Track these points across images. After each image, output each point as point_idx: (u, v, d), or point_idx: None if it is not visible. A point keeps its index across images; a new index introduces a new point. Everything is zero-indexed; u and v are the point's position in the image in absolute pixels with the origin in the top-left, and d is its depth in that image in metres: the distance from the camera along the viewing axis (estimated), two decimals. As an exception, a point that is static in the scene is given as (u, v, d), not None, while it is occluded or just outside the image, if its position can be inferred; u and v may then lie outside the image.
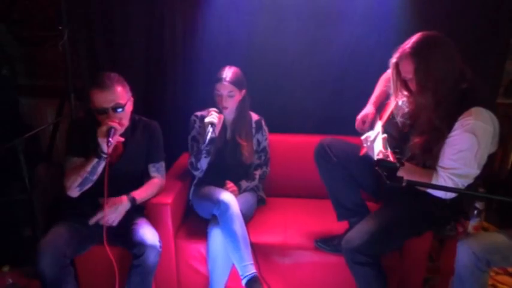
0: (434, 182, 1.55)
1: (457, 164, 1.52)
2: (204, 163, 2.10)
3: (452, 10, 2.27)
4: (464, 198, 1.72)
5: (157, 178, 2.02)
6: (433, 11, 2.26)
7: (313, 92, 2.52)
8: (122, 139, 1.84)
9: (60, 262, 1.71)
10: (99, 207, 1.80)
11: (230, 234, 1.88)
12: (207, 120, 2.00)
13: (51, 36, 2.68)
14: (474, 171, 1.53)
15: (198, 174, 2.15)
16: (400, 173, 1.25)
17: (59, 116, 2.62)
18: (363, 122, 1.93)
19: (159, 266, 1.83)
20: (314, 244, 1.98)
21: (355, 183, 1.92)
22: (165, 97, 2.63)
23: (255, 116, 2.29)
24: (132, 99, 1.90)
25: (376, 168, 1.28)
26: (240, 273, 1.88)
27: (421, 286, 1.99)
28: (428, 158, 1.61)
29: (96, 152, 1.75)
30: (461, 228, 2.14)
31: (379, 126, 1.75)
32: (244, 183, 2.20)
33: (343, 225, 1.96)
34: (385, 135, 1.55)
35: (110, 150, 1.73)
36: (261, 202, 2.32)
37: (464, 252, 1.67)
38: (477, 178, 1.57)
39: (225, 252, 1.91)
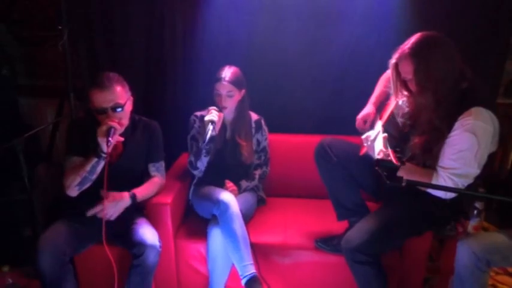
0: (434, 181, 1.55)
1: (457, 164, 1.52)
2: (203, 162, 2.09)
3: (452, 10, 2.27)
4: (464, 198, 1.72)
5: (157, 177, 2.02)
6: (433, 11, 2.26)
7: (313, 92, 2.52)
8: (122, 139, 1.84)
9: (60, 259, 1.71)
10: (99, 199, 1.79)
11: (230, 234, 1.88)
12: (207, 118, 2.00)
13: (51, 36, 2.68)
14: (474, 171, 1.53)
15: (197, 173, 2.15)
16: (400, 173, 1.25)
17: (58, 115, 2.62)
18: (364, 121, 1.93)
19: (158, 266, 1.83)
20: (314, 244, 1.98)
21: (355, 183, 1.92)
22: (165, 97, 2.63)
23: (254, 116, 2.29)
24: (131, 98, 1.90)
25: (376, 168, 1.28)
26: (240, 273, 1.88)
27: (421, 286, 1.99)
28: (429, 158, 1.61)
29: (95, 151, 1.75)
30: (461, 228, 2.14)
31: (379, 125, 1.75)
32: (244, 183, 2.19)
33: (343, 225, 1.96)
34: (386, 134, 1.55)
35: (110, 149, 1.73)
36: (261, 202, 2.31)
37: (464, 252, 1.67)
38: (477, 178, 1.57)
39: (224, 252, 1.91)
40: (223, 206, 1.90)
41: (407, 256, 1.90)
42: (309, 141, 2.09)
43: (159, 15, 2.47)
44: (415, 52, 1.53)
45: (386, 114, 1.81)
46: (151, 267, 1.78)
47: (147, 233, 1.82)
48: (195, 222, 2.13)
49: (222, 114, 2.05)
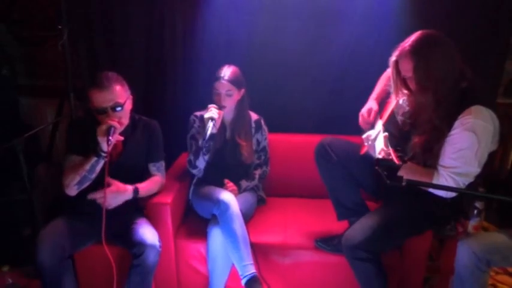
0: (435, 181, 1.55)
1: (458, 163, 1.52)
2: (202, 161, 2.09)
3: (452, 10, 2.27)
4: (464, 197, 1.72)
5: (158, 176, 2.02)
6: (433, 11, 2.26)
7: (313, 92, 2.53)
8: (122, 138, 1.84)
9: (59, 254, 1.71)
10: (104, 185, 1.78)
11: (230, 234, 1.88)
12: (206, 115, 2.00)
13: (51, 36, 2.67)
14: (475, 169, 1.53)
15: (196, 173, 2.15)
16: (400, 172, 1.25)
17: (58, 115, 2.61)
18: (369, 114, 1.89)
19: (158, 266, 1.83)
20: (314, 244, 1.98)
21: (356, 183, 1.92)
22: (165, 97, 2.63)
23: (254, 116, 2.29)
24: (131, 97, 1.90)
25: (376, 167, 1.28)
26: (240, 273, 1.88)
27: (421, 285, 1.99)
28: (429, 157, 1.61)
29: (95, 150, 1.75)
30: (461, 228, 2.14)
31: (380, 125, 1.75)
32: (244, 183, 2.19)
33: (343, 224, 1.96)
34: (386, 133, 1.55)
35: (110, 148, 1.73)
36: (261, 202, 2.31)
37: (465, 252, 1.67)
38: (478, 177, 1.57)
39: (224, 252, 1.91)
40: (223, 206, 1.90)
41: (408, 256, 1.90)
42: (309, 141, 2.09)
43: (159, 15, 2.47)
44: (415, 50, 1.53)
45: (386, 114, 1.81)
46: (151, 267, 1.78)
47: (147, 233, 1.82)
48: (195, 222, 2.13)
49: (221, 112, 2.04)
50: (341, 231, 1.93)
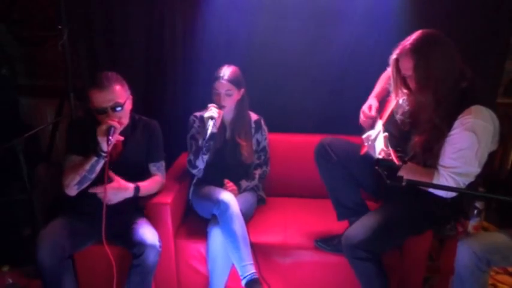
0: (435, 181, 1.55)
1: (458, 163, 1.52)
2: (202, 161, 2.09)
3: (452, 10, 2.27)
4: (464, 197, 1.72)
5: (158, 176, 2.02)
6: (433, 11, 2.26)
7: (313, 92, 2.53)
8: (122, 138, 1.84)
9: (59, 254, 1.71)
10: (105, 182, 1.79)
11: (230, 234, 1.88)
12: (206, 115, 1.99)
13: (51, 36, 2.67)
14: (475, 169, 1.53)
15: (196, 173, 2.15)
16: (400, 172, 1.25)
17: (58, 115, 2.62)
18: (370, 110, 1.88)
19: (158, 266, 1.83)
20: (314, 244, 1.98)
21: (356, 183, 1.92)
22: (165, 97, 2.63)
23: (254, 116, 2.29)
24: (131, 97, 1.90)
25: (376, 167, 1.28)
26: (240, 273, 1.88)
27: (421, 285, 1.99)
28: (429, 157, 1.61)
29: (95, 150, 1.75)
30: (461, 227, 2.14)
31: (379, 125, 1.75)
32: (244, 183, 2.19)
33: (343, 224, 1.96)
34: (386, 133, 1.55)
35: (110, 148, 1.73)
36: (261, 202, 2.31)
37: (465, 252, 1.67)
38: (478, 177, 1.57)
39: (225, 252, 1.91)
40: (223, 206, 1.90)
41: (408, 256, 1.90)
42: (309, 141, 2.09)
43: (159, 15, 2.47)
44: (416, 48, 1.53)
45: (386, 114, 1.81)
46: (151, 267, 1.78)
47: (147, 233, 1.82)
48: (195, 222, 2.13)
49: (221, 112, 2.04)
50: (341, 231, 1.93)
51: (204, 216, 2.09)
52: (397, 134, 1.74)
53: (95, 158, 1.76)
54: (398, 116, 1.76)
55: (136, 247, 1.76)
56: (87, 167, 1.77)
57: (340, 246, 1.80)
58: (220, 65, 2.12)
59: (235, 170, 2.22)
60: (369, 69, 2.24)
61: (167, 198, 1.98)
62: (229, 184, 2.15)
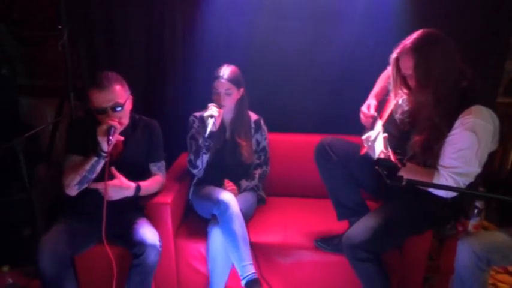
0: (435, 181, 1.55)
1: (458, 163, 1.52)
2: (203, 161, 2.09)
3: (452, 10, 2.27)
4: (464, 197, 1.72)
5: (159, 176, 2.02)
6: (433, 11, 2.26)
7: (313, 92, 2.53)
8: (122, 138, 1.84)
9: (60, 261, 1.71)
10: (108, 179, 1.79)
11: (230, 233, 1.88)
12: (206, 113, 1.99)
13: (51, 36, 2.67)
14: (475, 169, 1.53)
15: (196, 172, 2.15)
16: (400, 172, 1.25)
17: (58, 115, 2.61)
18: (368, 109, 1.86)
19: (159, 266, 1.83)
20: (314, 244, 1.98)
21: (355, 183, 1.92)
22: (165, 97, 2.63)
23: (253, 116, 2.29)
24: (131, 97, 1.90)
25: (376, 167, 1.28)
26: (240, 273, 1.88)
27: (421, 285, 1.99)
28: (429, 157, 1.61)
29: (95, 150, 1.75)
30: (462, 227, 2.13)
31: (379, 125, 1.75)
32: (244, 183, 2.19)
33: (343, 224, 1.96)
34: (386, 134, 1.55)
35: (110, 148, 1.73)
36: (261, 201, 2.31)
37: (465, 252, 1.67)
38: (478, 176, 1.57)
39: (225, 252, 1.91)
40: (223, 206, 1.90)
41: (408, 255, 1.90)
42: (309, 141, 2.09)
43: (159, 15, 2.47)
44: (417, 47, 1.53)
45: (386, 114, 1.81)
46: (151, 266, 1.78)
47: (148, 233, 1.82)
48: (195, 222, 2.13)
49: (221, 111, 2.04)
50: (341, 231, 1.93)
51: (204, 216, 2.09)
52: (396, 134, 1.74)
53: (95, 158, 1.76)
54: (397, 116, 1.76)
55: (137, 247, 1.76)
56: (87, 167, 1.77)
57: (340, 246, 1.80)
58: (220, 65, 2.12)
59: (235, 170, 2.22)
60: (369, 69, 2.23)
61: (167, 198, 1.98)
62: (229, 184, 2.15)
